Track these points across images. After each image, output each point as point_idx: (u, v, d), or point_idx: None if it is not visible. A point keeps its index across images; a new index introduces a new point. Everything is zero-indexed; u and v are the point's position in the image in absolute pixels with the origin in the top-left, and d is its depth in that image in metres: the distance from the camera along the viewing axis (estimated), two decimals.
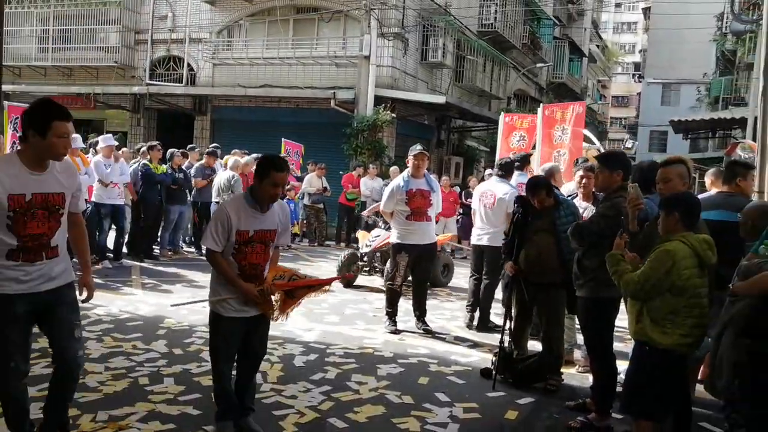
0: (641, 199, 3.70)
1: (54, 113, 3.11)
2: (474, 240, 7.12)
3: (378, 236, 8.91)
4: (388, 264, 7.43)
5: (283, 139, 14.35)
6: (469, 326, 6.95)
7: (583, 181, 5.50)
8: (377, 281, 9.17)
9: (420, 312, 6.75)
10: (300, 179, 13.91)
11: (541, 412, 4.59)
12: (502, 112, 11.52)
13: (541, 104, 10.39)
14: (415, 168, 6.61)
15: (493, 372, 5.10)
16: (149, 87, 18.42)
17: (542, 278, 5.08)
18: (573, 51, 31.36)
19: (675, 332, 3.32)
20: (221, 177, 10.39)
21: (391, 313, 6.70)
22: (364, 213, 10.55)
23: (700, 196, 5.04)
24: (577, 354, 5.75)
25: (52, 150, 3.13)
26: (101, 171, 8.99)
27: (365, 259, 9.13)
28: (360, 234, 10.06)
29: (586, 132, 9.32)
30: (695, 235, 3.44)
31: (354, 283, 9.10)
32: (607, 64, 50.15)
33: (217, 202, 10.33)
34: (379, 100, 15.97)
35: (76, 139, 9.13)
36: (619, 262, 3.51)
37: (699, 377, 4.71)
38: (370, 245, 8.89)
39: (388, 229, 8.00)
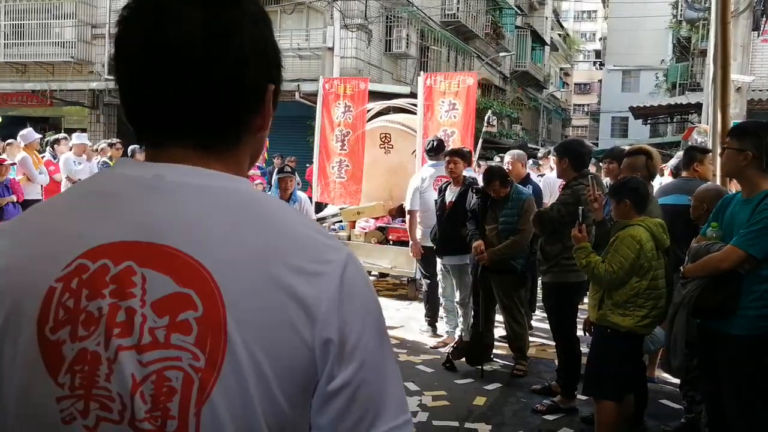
0: (598, 190, 3.79)
1: None
2: None
3: None
4: None
5: None
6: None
7: (450, 166, 5.64)
8: None
9: None
10: (264, 173, 13.75)
11: (508, 397, 4.69)
12: (321, 77, 9.53)
13: (422, 72, 9.67)
14: None
15: (449, 357, 5.25)
16: (108, 82, 18.05)
17: (494, 265, 5.16)
18: (535, 40, 31.66)
19: (636, 314, 3.42)
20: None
21: None
22: None
23: (663, 182, 5.22)
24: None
25: None
26: (70, 168, 8.83)
27: None
28: None
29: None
30: (651, 219, 3.55)
31: None
32: (569, 52, 50.72)
33: None
34: None
35: (29, 131, 8.90)
36: (589, 254, 3.55)
37: (659, 357, 4.88)
38: None
39: None
